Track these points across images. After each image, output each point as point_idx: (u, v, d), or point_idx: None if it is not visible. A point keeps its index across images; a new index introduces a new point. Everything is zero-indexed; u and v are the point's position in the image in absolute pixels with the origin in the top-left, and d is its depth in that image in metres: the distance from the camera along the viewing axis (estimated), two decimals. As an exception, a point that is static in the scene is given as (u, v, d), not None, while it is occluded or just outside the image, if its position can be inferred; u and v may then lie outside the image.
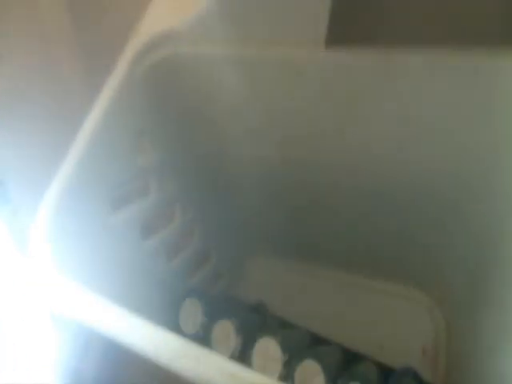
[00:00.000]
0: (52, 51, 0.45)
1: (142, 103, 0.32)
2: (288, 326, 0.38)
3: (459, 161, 0.31)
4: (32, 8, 0.41)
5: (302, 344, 0.33)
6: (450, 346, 0.38)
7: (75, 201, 0.27)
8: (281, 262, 0.47)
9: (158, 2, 0.33)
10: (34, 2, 0.42)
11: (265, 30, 0.30)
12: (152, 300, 0.33)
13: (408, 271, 0.42)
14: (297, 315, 0.40)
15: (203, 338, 0.31)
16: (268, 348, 0.29)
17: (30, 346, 0.35)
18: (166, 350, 0.19)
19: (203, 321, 0.31)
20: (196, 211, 0.40)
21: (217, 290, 0.42)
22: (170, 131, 0.35)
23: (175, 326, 0.32)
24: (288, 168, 0.37)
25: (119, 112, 0.30)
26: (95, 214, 0.29)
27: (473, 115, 0.28)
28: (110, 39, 0.35)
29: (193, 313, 0.32)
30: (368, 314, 0.42)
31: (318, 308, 0.43)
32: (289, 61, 0.30)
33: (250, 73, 0.32)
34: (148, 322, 0.20)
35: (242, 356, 0.30)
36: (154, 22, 0.32)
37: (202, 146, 0.38)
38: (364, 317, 0.42)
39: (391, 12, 0.30)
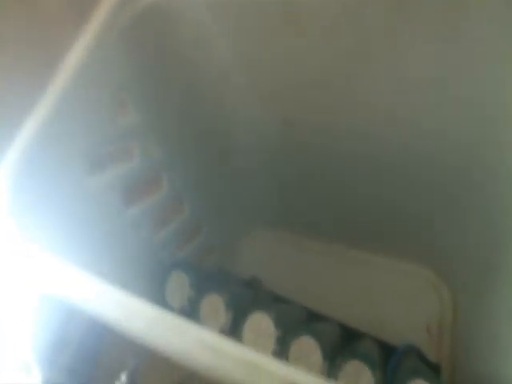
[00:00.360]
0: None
1: (122, 56, 0.29)
2: (283, 302, 0.35)
3: (469, 124, 0.28)
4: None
5: (297, 320, 0.31)
6: (456, 324, 0.36)
7: (44, 160, 0.24)
8: (277, 235, 0.44)
9: None
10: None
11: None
12: (136, 273, 0.31)
13: (413, 246, 0.39)
14: (293, 291, 0.38)
15: (190, 313, 0.28)
16: (260, 323, 0.27)
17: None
18: (137, 320, 0.16)
19: (190, 294, 0.29)
20: (185, 180, 0.37)
21: (208, 264, 0.40)
22: (154, 90, 0.32)
23: (161, 301, 0.30)
24: (284, 130, 0.34)
25: (96, 64, 0.27)
26: (69, 175, 0.26)
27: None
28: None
29: (179, 286, 0.30)
30: (369, 291, 0.40)
31: (316, 284, 0.40)
32: (287, 3, 0.26)
33: (243, 21, 0.29)
34: (118, 289, 0.17)
35: (233, 332, 0.27)
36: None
37: (190, 107, 0.35)
38: (365, 293, 0.40)
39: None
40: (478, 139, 0.29)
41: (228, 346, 0.15)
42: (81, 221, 0.27)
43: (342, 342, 0.31)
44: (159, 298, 0.30)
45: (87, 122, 0.27)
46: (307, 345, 0.26)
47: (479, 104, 0.27)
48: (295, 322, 0.30)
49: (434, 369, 0.32)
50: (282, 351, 0.26)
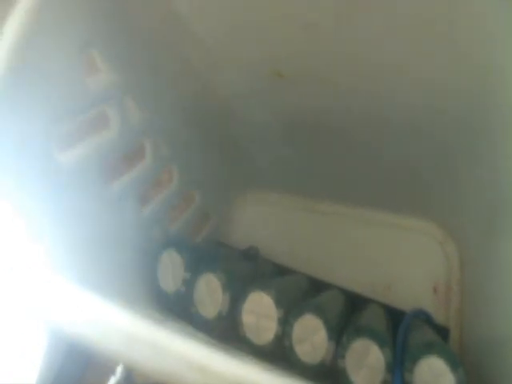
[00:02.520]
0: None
1: (87, 3, 0.24)
2: (283, 272, 0.34)
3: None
4: None
5: (299, 294, 0.29)
6: (464, 283, 0.35)
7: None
8: (271, 197, 0.42)
9: None
10: None
11: None
12: (124, 256, 0.28)
13: (416, 201, 0.37)
14: (292, 257, 0.36)
15: (185, 296, 0.27)
16: (260, 304, 0.25)
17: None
18: (116, 337, 0.14)
19: (184, 276, 0.27)
20: (171, 147, 0.34)
21: (203, 236, 0.38)
22: (127, 42, 0.28)
23: (155, 284, 0.28)
24: (282, 86, 0.31)
25: (53, 13, 0.22)
26: (36, 154, 0.23)
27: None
28: None
29: (172, 267, 0.28)
30: (374, 251, 0.38)
31: (318, 247, 0.39)
32: None
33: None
34: (93, 299, 0.15)
35: (231, 315, 0.26)
36: None
37: (174, 64, 0.31)
38: (369, 254, 0.38)
39: None
40: (473, 87, 0.26)
41: (216, 363, 0.13)
42: (55, 206, 0.24)
43: (348, 313, 0.30)
44: (152, 282, 0.28)
45: (46, 91, 0.23)
46: (310, 323, 0.25)
47: (470, 53, 0.24)
48: (297, 298, 0.28)
49: (442, 332, 0.31)
50: (284, 333, 0.25)
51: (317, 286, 0.33)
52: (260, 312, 0.25)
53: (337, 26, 0.25)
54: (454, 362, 0.22)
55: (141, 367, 0.13)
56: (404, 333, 0.27)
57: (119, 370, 0.30)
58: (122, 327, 0.14)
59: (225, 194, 0.42)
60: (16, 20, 0.20)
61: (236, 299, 0.26)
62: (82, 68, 0.25)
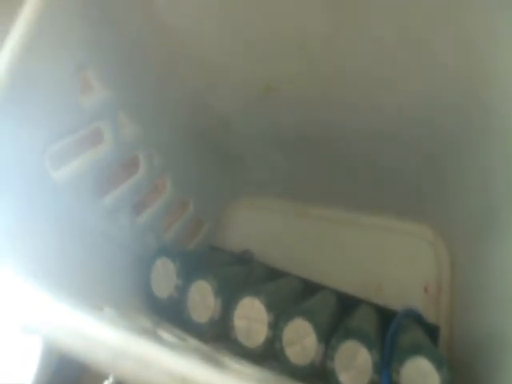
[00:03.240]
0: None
1: (81, 26, 0.25)
2: (276, 276, 0.34)
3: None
4: None
5: (290, 298, 0.30)
6: (454, 283, 0.35)
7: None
8: (268, 202, 0.43)
9: None
10: None
11: None
12: (118, 264, 0.29)
13: (408, 204, 0.38)
14: (287, 260, 0.37)
15: (178, 302, 0.27)
16: (251, 309, 0.26)
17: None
18: (100, 350, 0.14)
19: (177, 283, 0.28)
20: (164, 157, 0.34)
21: (197, 241, 0.38)
22: (120, 60, 0.28)
23: (148, 291, 0.29)
24: (274, 101, 0.31)
25: (49, 35, 0.23)
26: (31, 170, 0.24)
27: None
28: None
29: (165, 275, 0.28)
30: (365, 253, 0.39)
31: (311, 250, 0.39)
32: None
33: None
34: (80, 314, 0.15)
35: (223, 319, 0.27)
36: None
37: (168, 80, 0.32)
38: (361, 256, 0.39)
39: None
40: (459, 99, 0.26)
41: (197, 375, 0.13)
42: (49, 218, 0.25)
43: (339, 314, 0.31)
44: (145, 287, 0.29)
45: (42, 110, 0.24)
46: (301, 327, 0.25)
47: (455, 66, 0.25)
48: (288, 301, 0.29)
49: (432, 330, 0.32)
50: (275, 337, 0.25)
51: (309, 288, 0.34)
52: (251, 316, 0.26)
53: (326, 45, 0.26)
54: (440, 362, 0.23)
55: (126, 378, 0.14)
56: (394, 333, 0.27)
57: (112, 374, 0.31)
58: (108, 341, 0.14)
59: (218, 201, 0.43)
60: (11, 45, 0.21)
61: (228, 304, 0.27)
62: (77, 87, 0.26)
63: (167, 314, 0.28)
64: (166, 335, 0.21)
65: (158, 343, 0.14)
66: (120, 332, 0.14)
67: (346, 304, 0.33)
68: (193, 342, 0.23)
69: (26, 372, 0.31)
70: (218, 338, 0.27)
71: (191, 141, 0.37)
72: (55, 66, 0.24)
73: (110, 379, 0.31)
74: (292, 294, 0.31)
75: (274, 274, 0.35)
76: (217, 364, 0.14)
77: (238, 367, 0.19)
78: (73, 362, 0.33)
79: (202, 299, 0.27)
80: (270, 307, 0.26)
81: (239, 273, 0.31)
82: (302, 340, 0.25)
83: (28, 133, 0.23)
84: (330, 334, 0.25)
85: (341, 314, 0.31)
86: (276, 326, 0.25)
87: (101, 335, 0.14)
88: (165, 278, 0.28)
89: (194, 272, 0.28)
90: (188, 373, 0.13)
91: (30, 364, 0.31)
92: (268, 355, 0.26)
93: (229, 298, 0.27)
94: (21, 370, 0.31)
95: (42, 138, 0.24)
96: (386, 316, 0.31)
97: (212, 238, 0.41)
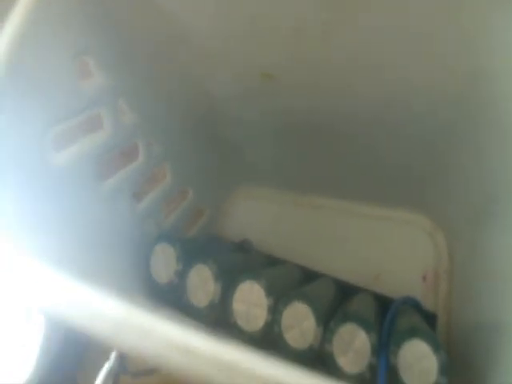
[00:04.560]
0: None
1: (81, 12, 0.25)
2: (275, 263, 0.35)
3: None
4: None
5: (290, 282, 0.30)
6: (452, 271, 0.36)
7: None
8: (267, 191, 0.43)
9: None
10: None
11: None
12: (118, 249, 0.29)
13: (404, 193, 0.38)
14: (286, 249, 0.37)
15: (178, 287, 0.28)
16: (251, 293, 0.26)
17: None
18: (103, 321, 0.15)
19: (177, 268, 0.28)
20: (164, 144, 0.34)
21: (197, 229, 0.39)
22: (120, 45, 0.29)
23: (147, 277, 0.29)
24: (272, 88, 0.31)
25: (47, 20, 0.23)
26: (31, 155, 0.24)
27: None
28: None
29: (165, 260, 0.28)
30: (363, 242, 0.39)
31: (310, 239, 0.40)
32: None
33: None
34: (82, 287, 0.16)
35: (223, 303, 0.27)
36: None
37: (167, 67, 0.32)
38: (359, 245, 0.39)
39: None
40: (462, 92, 0.27)
41: (201, 346, 0.13)
42: (49, 203, 0.25)
43: (338, 301, 0.31)
44: (145, 272, 0.29)
45: (42, 95, 0.24)
46: (300, 311, 0.25)
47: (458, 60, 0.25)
48: (287, 286, 0.29)
49: (430, 318, 0.32)
50: (274, 320, 0.25)
51: (308, 276, 0.34)
52: (250, 300, 0.26)
53: (324, 32, 0.26)
54: (436, 345, 0.23)
55: (129, 350, 0.14)
56: (392, 318, 0.28)
57: (113, 356, 0.31)
58: (110, 313, 0.14)
59: (218, 189, 0.43)
60: (11, 29, 0.21)
61: (227, 288, 0.27)
62: (77, 73, 0.26)
63: (167, 300, 0.28)
64: (167, 314, 0.21)
65: (160, 316, 0.15)
66: (122, 303, 0.14)
67: (345, 292, 0.33)
68: (193, 323, 0.23)
69: (28, 356, 0.31)
70: (217, 323, 0.27)
71: (191, 129, 0.37)
72: (54, 51, 0.24)
73: (111, 360, 0.31)
74: (291, 280, 0.31)
75: (272, 263, 0.35)
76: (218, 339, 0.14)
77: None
78: (75, 346, 0.34)
79: (202, 283, 0.27)
80: (269, 291, 0.26)
81: (239, 259, 0.32)
82: (300, 324, 0.25)
83: (27, 117, 0.23)
84: (329, 319, 0.26)
85: (339, 301, 0.31)
86: (275, 310, 0.26)
87: (103, 306, 0.14)
88: (165, 263, 0.28)
89: (193, 257, 0.28)
90: (192, 342, 0.13)
91: (32, 347, 0.31)
92: (267, 340, 0.26)
93: (228, 283, 0.27)
94: (23, 354, 0.31)
95: (42, 121, 0.24)
96: (384, 303, 0.31)
97: (211, 226, 0.41)
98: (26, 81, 0.23)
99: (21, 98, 0.23)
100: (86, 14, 0.26)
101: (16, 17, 0.22)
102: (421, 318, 0.28)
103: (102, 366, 0.32)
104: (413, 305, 0.32)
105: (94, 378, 0.32)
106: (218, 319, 0.27)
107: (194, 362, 0.13)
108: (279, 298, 0.26)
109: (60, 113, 0.25)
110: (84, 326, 0.15)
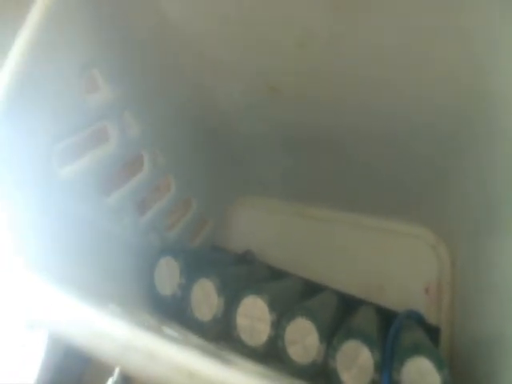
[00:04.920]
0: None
1: (87, 26, 0.25)
2: (278, 276, 0.35)
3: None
4: None
5: (292, 298, 0.30)
6: (455, 283, 0.36)
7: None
8: (270, 203, 0.43)
9: None
10: None
11: None
12: (122, 262, 0.29)
13: (409, 207, 0.38)
14: (288, 260, 0.37)
15: (181, 300, 0.28)
16: (254, 308, 0.26)
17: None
18: (108, 343, 0.15)
19: (180, 281, 0.28)
20: (168, 156, 0.35)
21: (200, 240, 0.39)
22: (127, 59, 0.29)
23: (152, 290, 0.29)
24: (278, 101, 0.31)
25: (55, 35, 0.23)
26: (37, 168, 0.24)
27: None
28: None
29: (169, 273, 0.29)
30: (366, 255, 0.39)
31: (313, 251, 0.40)
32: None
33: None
34: (88, 307, 0.16)
35: (226, 318, 0.27)
36: None
37: (173, 79, 0.32)
38: (363, 257, 0.39)
39: None
40: (460, 105, 0.27)
41: (203, 368, 0.14)
42: (53, 216, 0.25)
43: (341, 314, 0.31)
44: (149, 285, 0.29)
45: (49, 109, 0.24)
46: (303, 326, 0.25)
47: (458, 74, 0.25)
48: (290, 301, 0.29)
49: (433, 331, 0.32)
50: (277, 336, 0.26)
51: (311, 289, 0.34)
52: (254, 315, 0.26)
53: (329, 45, 0.26)
54: (440, 362, 0.23)
55: (133, 372, 0.14)
56: (395, 333, 0.28)
57: (117, 371, 0.31)
58: (116, 334, 0.15)
59: (221, 200, 0.43)
60: (19, 46, 0.22)
61: (231, 302, 0.27)
62: (83, 86, 0.26)
63: (170, 313, 0.28)
64: (170, 332, 0.22)
65: (165, 338, 0.15)
66: (128, 325, 0.15)
67: (348, 305, 0.33)
68: (196, 339, 0.23)
69: (30, 369, 0.31)
70: (220, 337, 0.27)
71: (195, 141, 0.37)
72: (62, 65, 0.24)
73: (115, 376, 0.31)
74: (294, 294, 0.32)
75: (275, 275, 0.35)
76: (222, 360, 0.14)
77: (243, 363, 0.19)
78: (76, 359, 0.34)
79: (206, 297, 0.27)
80: (272, 306, 0.26)
81: (242, 272, 0.32)
82: (303, 339, 0.25)
83: (35, 131, 0.24)
84: (332, 334, 0.26)
85: (342, 314, 0.31)
86: (278, 325, 0.26)
87: (109, 328, 0.15)
88: (168, 276, 0.28)
89: (197, 270, 0.28)
90: (195, 367, 0.13)
91: (34, 361, 0.31)
92: (270, 355, 0.26)
93: (232, 297, 0.27)
94: (24, 367, 0.31)
95: (49, 136, 0.24)
96: (387, 317, 0.31)
97: (215, 237, 0.41)
98: (34, 94, 0.23)
99: (27, 109, 0.23)
100: (93, 28, 0.26)
101: (25, 31, 0.22)
102: (424, 334, 0.28)
103: (105, 381, 0.32)
104: (416, 319, 0.32)
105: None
106: (221, 333, 0.27)
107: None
108: (282, 313, 0.26)
109: (66, 127, 0.26)
110: (88, 346, 0.15)
